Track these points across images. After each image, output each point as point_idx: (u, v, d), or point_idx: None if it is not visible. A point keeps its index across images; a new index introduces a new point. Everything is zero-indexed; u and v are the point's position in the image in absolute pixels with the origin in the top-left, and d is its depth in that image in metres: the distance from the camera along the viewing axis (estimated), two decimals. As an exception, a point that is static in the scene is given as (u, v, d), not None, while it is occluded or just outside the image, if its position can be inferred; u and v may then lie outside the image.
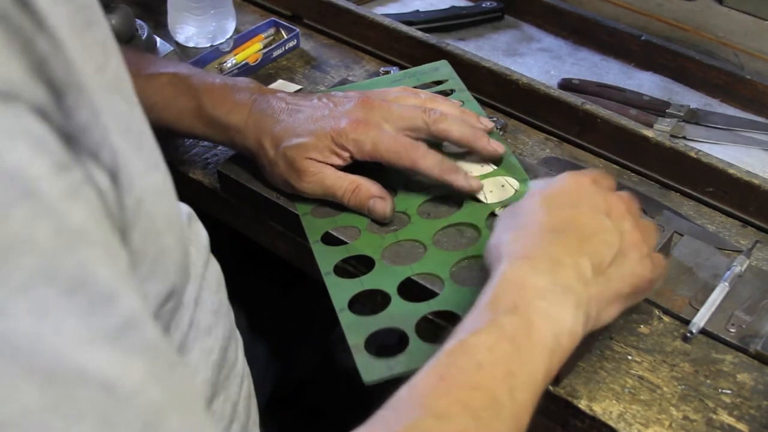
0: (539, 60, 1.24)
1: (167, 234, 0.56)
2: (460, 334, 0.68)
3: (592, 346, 0.85)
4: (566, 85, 1.18)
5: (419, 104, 0.96)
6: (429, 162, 0.92)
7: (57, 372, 0.42)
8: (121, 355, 0.44)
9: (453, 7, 1.33)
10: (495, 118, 1.09)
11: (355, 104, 0.95)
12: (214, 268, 0.75)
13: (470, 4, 1.34)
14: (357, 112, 0.94)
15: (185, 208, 0.73)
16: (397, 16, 1.26)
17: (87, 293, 0.43)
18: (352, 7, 1.24)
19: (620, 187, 1.00)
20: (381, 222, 0.94)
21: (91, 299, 0.43)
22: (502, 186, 0.95)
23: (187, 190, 1.10)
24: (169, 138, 1.08)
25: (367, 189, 0.93)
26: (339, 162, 0.93)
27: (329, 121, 0.93)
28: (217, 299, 0.73)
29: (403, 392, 0.65)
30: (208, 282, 0.72)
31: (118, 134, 0.50)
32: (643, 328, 0.87)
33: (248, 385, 0.79)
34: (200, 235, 0.74)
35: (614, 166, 1.05)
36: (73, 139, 0.45)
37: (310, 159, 0.93)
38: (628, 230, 0.77)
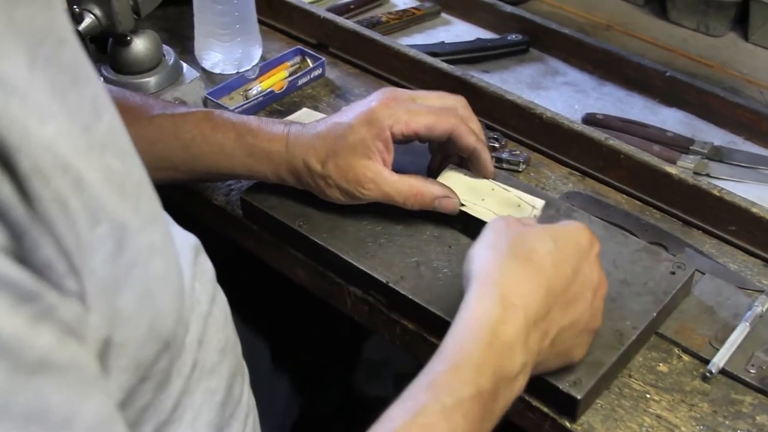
0: (564, 94, 1.24)
1: (163, 295, 0.56)
2: (440, 390, 0.70)
3: (610, 383, 0.85)
4: (590, 119, 1.18)
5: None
6: (467, 129, 0.94)
7: None
8: None
9: (478, 39, 1.33)
10: (518, 152, 1.10)
11: (380, 92, 0.97)
12: (221, 303, 0.74)
13: (495, 36, 1.34)
14: (384, 94, 0.96)
15: (192, 240, 0.73)
16: (423, 47, 1.27)
17: (42, 421, 0.43)
18: (378, 37, 1.25)
19: (642, 224, 1.00)
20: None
21: (46, 425, 0.44)
22: (518, 206, 0.95)
23: (209, 216, 1.11)
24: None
25: (429, 192, 0.94)
26: (382, 148, 0.93)
27: (360, 108, 0.95)
28: (224, 336, 0.73)
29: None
30: (215, 318, 0.72)
31: (112, 195, 0.50)
32: (662, 367, 0.87)
33: (253, 419, 0.79)
34: (206, 269, 0.73)
35: (636, 202, 1.05)
36: (38, 270, 0.45)
37: (363, 163, 0.93)
38: (596, 313, 0.81)
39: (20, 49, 0.47)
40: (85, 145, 0.50)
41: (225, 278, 1.21)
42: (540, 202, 0.96)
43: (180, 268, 0.61)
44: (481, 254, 0.79)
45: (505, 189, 0.96)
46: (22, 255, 0.44)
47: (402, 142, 0.95)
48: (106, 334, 0.51)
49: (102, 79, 1.20)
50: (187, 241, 0.71)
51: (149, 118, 0.97)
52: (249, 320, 1.18)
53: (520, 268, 0.77)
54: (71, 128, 0.49)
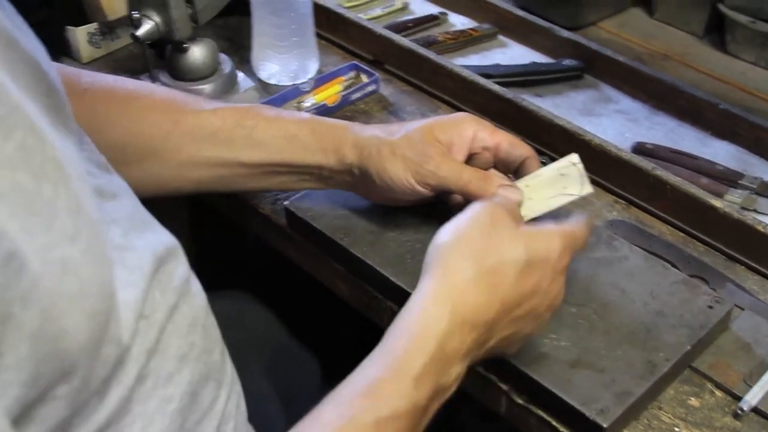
0: (615, 121, 1.24)
1: (73, 313, 0.56)
2: (375, 402, 0.72)
3: (639, 414, 0.85)
4: (639, 149, 1.17)
5: None
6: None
7: None
8: None
9: (533, 63, 1.33)
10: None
11: None
12: (187, 309, 0.73)
13: (551, 61, 1.34)
14: None
15: (159, 248, 0.71)
16: (477, 68, 1.27)
17: None
18: (432, 56, 1.26)
19: (684, 256, 0.99)
20: None
21: None
22: (562, 175, 0.94)
23: (255, 224, 1.12)
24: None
25: (494, 178, 0.93)
26: (459, 143, 0.94)
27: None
28: (187, 343, 0.72)
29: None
30: (176, 326, 0.71)
31: (11, 214, 0.52)
32: (693, 401, 0.86)
33: (232, 428, 0.78)
34: (172, 276, 0.73)
35: (680, 233, 1.05)
36: None
37: (433, 142, 0.93)
38: (541, 324, 0.83)
39: None
40: None
41: (269, 288, 1.24)
42: (573, 156, 0.94)
43: (108, 286, 0.61)
44: (450, 243, 0.81)
45: (537, 176, 0.94)
46: None
47: (472, 156, 0.95)
48: None
49: (158, 84, 1.22)
50: (150, 251, 0.70)
51: (212, 111, 0.98)
52: (297, 333, 1.19)
53: (481, 280, 0.78)
54: None
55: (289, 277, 1.19)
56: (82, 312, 0.57)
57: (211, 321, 0.77)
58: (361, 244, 0.99)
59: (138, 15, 1.16)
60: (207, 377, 0.74)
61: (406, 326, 0.77)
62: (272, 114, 0.99)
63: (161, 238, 0.73)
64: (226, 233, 1.43)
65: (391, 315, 0.96)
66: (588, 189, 0.92)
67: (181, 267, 0.74)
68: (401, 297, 0.93)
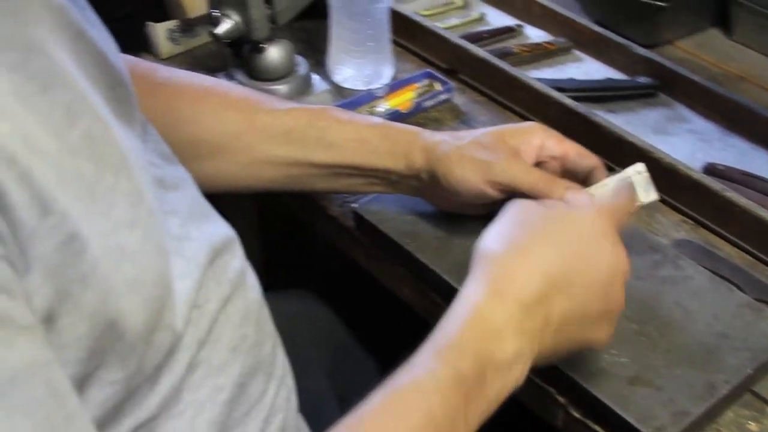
0: (687, 141, 1.23)
1: (129, 297, 0.58)
2: (417, 371, 0.72)
3: (697, 435, 0.84)
4: (710, 169, 1.17)
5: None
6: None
7: None
8: (2, 416, 0.49)
9: (608, 79, 1.33)
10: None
11: None
12: (241, 302, 0.75)
13: (625, 78, 1.34)
14: None
15: (215, 240, 0.73)
16: (551, 82, 1.27)
17: None
18: (506, 67, 1.26)
19: (752, 279, 0.99)
20: None
21: None
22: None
23: (323, 225, 1.14)
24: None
25: (561, 181, 0.92)
26: (526, 149, 0.95)
27: None
28: (239, 335, 0.74)
29: (350, 422, 0.69)
30: (229, 317, 0.73)
31: (71, 193, 0.54)
32: (752, 425, 0.86)
33: (281, 420, 0.80)
34: (228, 268, 0.74)
35: (748, 257, 1.04)
36: None
37: (502, 143, 0.94)
38: (613, 297, 0.81)
39: None
40: (53, 148, 0.54)
41: (335, 288, 1.25)
42: (638, 165, 0.94)
43: (165, 275, 0.63)
44: (488, 235, 0.82)
45: (603, 185, 0.93)
46: None
47: (539, 165, 0.95)
48: (49, 310, 0.54)
49: (234, 82, 1.24)
50: (207, 242, 0.72)
51: (286, 110, 1.00)
52: (359, 335, 1.20)
53: (516, 254, 0.79)
54: (35, 131, 0.52)
55: (354, 279, 1.20)
56: (138, 297, 0.59)
57: (265, 315, 0.79)
58: (427, 249, 0.99)
59: (218, 13, 1.18)
60: (257, 370, 0.76)
61: (450, 308, 0.78)
62: (345, 117, 1.00)
63: (219, 230, 0.75)
64: (296, 233, 1.45)
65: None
66: (653, 196, 0.92)
67: (237, 259, 0.76)
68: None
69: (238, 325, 0.74)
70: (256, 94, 1.02)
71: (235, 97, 1.00)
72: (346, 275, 1.23)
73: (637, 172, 0.92)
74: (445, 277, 0.96)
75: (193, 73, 1.05)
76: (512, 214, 0.84)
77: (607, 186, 0.92)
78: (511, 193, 0.93)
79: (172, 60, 1.40)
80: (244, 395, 0.74)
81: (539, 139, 0.95)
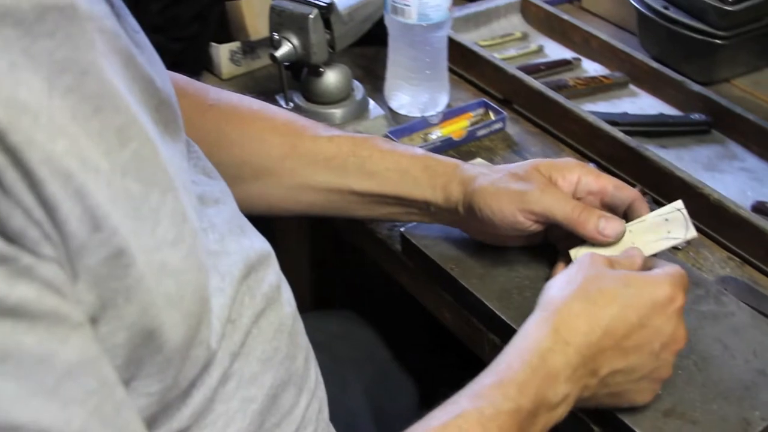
0: (738, 179, 1.23)
1: (169, 313, 0.60)
2: (480, 401, 0.76)
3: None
4: (760, 208, 1.16)
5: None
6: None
7: None
8: (60, 405, 0.52)
9: (661, 114, 1.34)
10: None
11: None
12: (275, 315, 0.77)
13: (679, 113, 1.34)
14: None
15: (252, 256, 0.76)
16: (605, 115, 1.28)
17: (15, 359, 0.50)
18: (560, 99, 1.27)
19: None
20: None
21: (21, 363, 0.50)
22: (666, 220, 0.94)
23: (371, 248, 1.15)
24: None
25: (594, 210, 0.93)
26: (563, 183, 0.97)
27: None
28: (272, 347, 0.76)
29: None
30: (261, 330, 0.75)
31: (120, 211, 0.56)
32: (787, 463, 0.86)
33: None
34: (262, 283, 0.77)
35: (793, 296, 1.04)
36: (11, 239, 0.51)
37: (539, 174, 0.95)
38: (664, 365, 0.84)
39: (38, 77, 0.53)
40: (106, 167, 0.56)
41: (379, 310, 1.27)
42: (677, 203, 0.95)
43: (203, 291, 0.65)
44: (555, 284, 0.85)
45: (641, 221, 0.95)
46: None
47: (579, 199, 0.96)
48: (92, 317, 0.56)
49: (291, 105, 1.27)
50: (242, 257, 0.74)
51: (329, 138, 1.02)
52: (400, 357, 1.22)
53: (583, 307, 0.82)
54: (88, 150, 0.55)
55: (399, 302, 1.21)
56: (179, 313, 0.62)
57: (299, 328, 0.81)
58: (471, 275, 1.01)
59: (278, 37, 1.21)
60: (288, 382, 0.78)
61: (512, 346, 0.82)
62: (387, 147, 1.02)
63: (255, 245, 0.77)
64: (344, 254, 1.47)
65: (493, 347, 0.98)
66: (693, 233, 0.93)
67: (272, 274, 0.78)
68: (504, 330, 0.95)
69: (271, 338, 0.76)
70: (302, 119, 1.05)
71: (280, 122, 1.03)
72: (391, 297, 1.25)
73: (677, 209, 0.93)
74: (488, 303, 0.97)
75: (243, 96, 1.07)
76: (587, 266, 0.86)
77: (645, 222, 0.93)
78: (548, 224, 0.94)
79: (233, 81, 1.43)
80: (275, 406, 0.76)
81: (576, 175, 0.96)
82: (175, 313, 0.61)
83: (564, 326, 0.81)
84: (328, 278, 1.60)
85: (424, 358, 1.24)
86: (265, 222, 1.55)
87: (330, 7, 1.20)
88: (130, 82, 0.64)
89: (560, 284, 0.85)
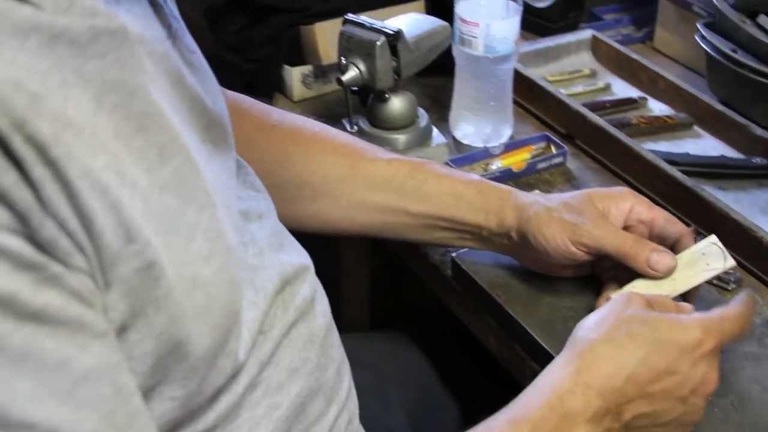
0: (796, 225, 1.23)
1: (197, 324, 0.63)
2: None
3: None
4: (814, 254, 1.16)
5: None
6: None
7: (3, 422, 0.52)
8: (72, 408, 0.54)
9: (722, 156, 1.34)
10: (731, 271, 1.10)
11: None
12: (307, 327, 0.80)
13: (741, 156, 1.34)
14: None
15: (292, 267, 0.79)
16: (665, 155, 1.29)
17: (35, 361, 0.53)
18: (622, 136, 1.28)
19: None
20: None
21: (40, 365, 0.53)
22: (703, 254, 0.96)
23: (424, 271, 1.18)
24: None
25: (647, 243, 0.95)
26: (616, 213, 0.99)
27: None
28: (301, 358, 0.78)
29: None
30: (292, 341, 0.78)
31: (157, 228, 0.59)
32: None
33: None
34: (296, 296, 0.79)
35: (841, 343, 1.04)
36: (43, 247, 0.53)
37: (593, 205, 0.97)
38: (694, 409, 0.84)
39: (86, 95, 0.56)
40: (144, 183, 0.59)
41: (428, 332, 1.28)
42: (711, 237, 0.96)
43: (234, 305, 0.68)
44: (585, 324, 0.85)
45: (679, 258, 0.96)
46: (29, 233, 0.52)
47: (627, 228, 0.98)
48: (122, 325, 0.59)
49: (356, 128, 1.30)
50: (278, 272, 0.77)
51: (387, 160, 1.05)
52: (445, 380, 1.23)
53: (609, 350, 0.82)
54: (129, 166, 0.58)
55: (448, 326, 1.23)
56: (206, 325, 0.64)
57: (332, 340, 0.83)
58: (516, 303, 1.02)
59: (346, 62, 1.24)
60: (317, 391, 0.80)
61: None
62: (443, 171, 1.05)
63: (293, 259, 0.80)
64: (403, 279, 1.49)
65: (533, 375, 0.99)
66: (731, 262, 0.95)
67: (306, 287, 0.81)
68: (546, 360, 0.96)
69: (301, 348, 0.79)
70: (361, 142, 1.08)
71: (340, 144, 1.06)
72: (442, 321, 1.27)
73: (712, 243, 0.95)
74: (532, 332, 0.99)
75: (305, 117, 1.11)
76: (618, 306, 0.86)
77: (683, 258, 0.95)
78: (600, 255, 0.96)
79: (304, 103, 1.47)
80: (302, 414, 0.79)
81: (629, 203, 0.98)
82: (202, 325, 0.64)
83: (587, 369, 0.81)
84: (386, 301, 1.62)
85: (469, 381, 1.25)
86: (330, 246, 1.59)
87: (397, 35, 1.23)
88: (178, 102, 0.67)
89: (590, 325, 0.86)
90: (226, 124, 0.77)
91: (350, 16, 1.26)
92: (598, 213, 0.97)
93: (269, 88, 1.49)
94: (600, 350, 0.82)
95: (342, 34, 1.26)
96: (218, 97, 0.78)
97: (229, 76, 1.39)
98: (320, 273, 0.86)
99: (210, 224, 0.65)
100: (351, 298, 1.67)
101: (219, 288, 0.66)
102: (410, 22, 1.31)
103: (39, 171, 0.53)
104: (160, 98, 0.63)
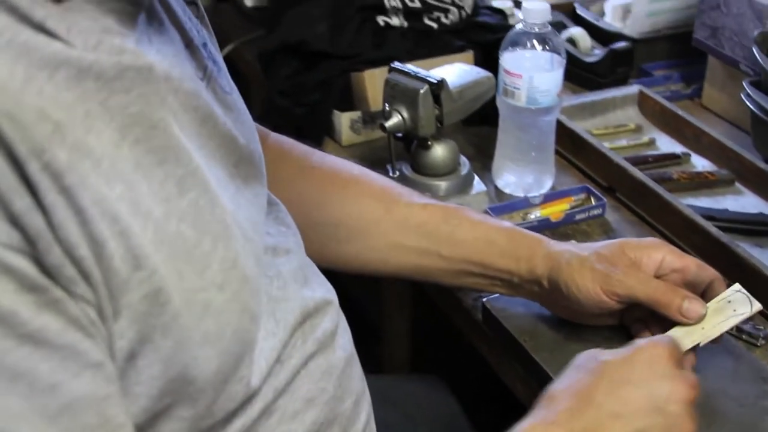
0: (831, 284, 1.23)
1: (204, 347, 0.66)
2: None
3: None
4: None
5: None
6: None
7: None
8: (57, 431, 0.57)
9: (761, 214, 1.34)
10: (761, 327, 1.10)
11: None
12: (325, 359, 0.82)
13: (780, 214, 1.35)
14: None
15: (313, 301, 0.83)
16: (703, 210, 1.30)
17: (28, 380, 0.55)
18: (660, 190, 1.30)
19: None
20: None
21: (32, 385, 0.55)
22: (729, 302, 0.97)
23: (457, 315, 1.20)
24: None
25: (679, 291, 0.96)
26: (647, 262, 0.99)
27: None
28: (318, 388, 0.81)
29: None
30: (309, 371, 0.80)
31: (167, 256, 0.62)
32: None
33: None
34: (317, 329, 0.82)
35: None
36: (48, 271, 0.56)
37: (625, 255, 0.98)
38: (677, 421, 0.82)
39: (110, 127, 0.60)
40: (160, 213, 0.62)
41: (461, 377, 1.30)
42: (735, 285, 0.98)
43: (247, 333, 0.71)
44: (559, 379, 0.86)
45: (708, 306, 0.97)
46: (36, 256, 0.55)
47: (659, 278, 0.99)
48: (131, 351, 0.62)
49: (398, 174, 1.33)
50: (300, 305, 0.80)
51: (422, 205, 1.08)
52: (477, 425, 1.25)
53: (565, 388, 0.84)
54: (145, 196, 0.61)
55: (481, 371, 1.25)
56: (214, 350, 0.67)
57: (352, 372, 0.86)
58: (543, 350, 1.04)
59: (390, 108, 1.28)
60: (333, 421, 0.83)
61: None
62: (476, 218, 1.07)
63: (316, 294, 0.83)
64: (441, 323, 1.51)
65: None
66: (757, 306, 0.96)
67: (328, 322, 0.84)
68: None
69: (318, 379, 0.82)
70: (399, 187, 1.11)
71: (378, 187, 1.09)
72: (476, 367, 1.29)
73: (737, 290, 0.97)
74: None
75: (344, 160, 1.15)
76: (579, 361, 0.88)
77: (709, 308, 0.96)
78: (632, 304, 0.97)
79: (352, 148, 1.51)
80: None
81: (661, 253, 0.99)
82: (210, 350, 0.67)
83: (545, 409, 0.83)
84: (426, 345, 1.65)
85: (498, 428, 1.26)
86: (374, 292, 1.62)
87: (440, 84, 1.27)
88: (206, 137, 0.71)
89: (557, 381, 0.87)
90: (259, 162, 0.81)
91: (396, 65, 1.30)
92: (629, 262, 0.98)
93: (319, 133, 1.53)
94: (557, 394, 0.84)
95: (387, 82, 1.29)
96: (252, 136, 0.81)
97: (279, 120, 1.44)
98: (364, 317, 0.90)
99: (226, 255, 0.68)
100: (392, 341, 1.69)
101: (231, 316, 0.68)
102: (456, 72, 1.34)
103: (52, 197, 0.56)
104: (181, 133, 0.67)
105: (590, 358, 0.87)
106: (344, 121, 1.49)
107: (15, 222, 0.55)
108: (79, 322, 0.58)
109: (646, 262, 0.99)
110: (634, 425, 0.82)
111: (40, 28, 0.58)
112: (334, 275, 0.96)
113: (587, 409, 0.82)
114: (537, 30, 1.28)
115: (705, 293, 0.98)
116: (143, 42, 0.66)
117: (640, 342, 0.87)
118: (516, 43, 1.29)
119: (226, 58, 1.88)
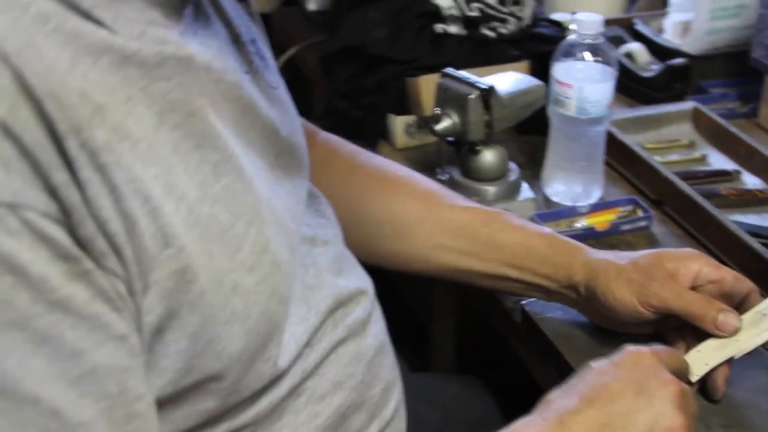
0: None
1: (231, 325, 0.68)
2: None
3: None
4: None
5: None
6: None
7: (9, 391, 0.57)
8: (77, 394, 0.59)
9: (808, 232, 1.34)
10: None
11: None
12: (356, 346, 0.85)
13: (828, 233, 1.35)
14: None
15: (347, 290, 0.85)
16: (749, 226, 1.30)
17: (53, 345, 0.58)
18: (707, 205, 1.30)
19: None
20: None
21: (57, 350, 0.58)
22: (764, 315, 0.97)
23: (497, 317, 1.22)
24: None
25: (716, 303, 0.96)
26: (684, 273, 1.00)
27: None
28: (346, 372, 0.83)
29: None
30: (339, 356, 0.83)
31: (198, 236, 0.65)
32: None
33: None
34: (349, 317, 0.85)
35: None
36: (80, 243, 0.59)
37: (662, 267, 0.99)
38: (666, 415, 0.81)
39: (149, 112, 0.63)
40: (194, 195, 0.65)
41: (499, 378, 1.32)
42: None
43: (275, 315, 0.73)
44: (558, 389, 0.87)
45: (743, 318, 0.98)
46: (70, 227, 0.58)
47: (696, 289, 1.00)
48: (159, 326, 0.64)
49: (448, 177, 1.35)
50: (333, 293, 0.83)
51: (464, 207, 1.11)
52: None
53: (560, 393, 0.85)
54: (179, 179, 0.64)
55: (521, 375, 1.26)
56: (241, 328, 0.70)
57: (383, 361, 0.88)
58: (578, 354, 1.05)
59: (441, 112, 1.30)
60: (360, 406, 0.85)
61: None
62: (517, 222, 1.09)
63: (350, 284, 0.86)
64: (487, 325, 1.53)
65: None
66: None
67: (361, 310, 0.87)
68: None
69: (346, 364, 0.84)
70: (443, 189, 1.14)
71: (422, 188, 1.12)
72: (518, 370, 1.30)
73: None
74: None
75: (391, 161, 1.17)
76: (581, 378, 0.89)
77: (743, 320, 0.96)
78: (667, 314, 0.98)
79: (405, 151, 1.53)
80: (342, 426, 0.84)
81: (697, 265, 1.00)
82: (237, 328, 0.70)
83: (545, 408, 0.84)
84: (471, 346, 1.67)
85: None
86: (425, 295, 1.64)
87: (490, 91, 1.29)
88: (245, 128, 0.74)
89: (558, 390, 0.88)
90: (301, 155, 0.84)
91: (449, 70, 1.33)
92: (666, 273, 0.99)
93: (374, 135, 1.56)
94: (552, 397, 0.86)
95: (439, 86, 1.32)
96: (296, 130, 0.84)
97: (338, 121, 1.47)
98: (413, 317, 0.92)
99: (258, 239, 0.71)
100: (439, 341, 1.71)
101: (259, 297, 0.71)
102: (508, 80, 1.36)
103: (88, 173, 0.59)
104: (220, 120, 0.70)
105: (584, 366, 0.89)
106: (399, 124, 1.52)
107: (53, 193, 0.58)
108: (107, 294, 0.61)
109: (683, 272, 1.00)
110: (621, 412, 0.82)
111: (87, 16, 0.62)
112: (385, 276, 0.98)
113: (575, 403, 0.83)
114: (589, 41, 1.29)
115: (741, 304, 0.99)
116: (187, 34, 0.69)
117: (628, 347, 0.89)
118: (568, 54, 1.31)
119: (290, 61, 1.93)
